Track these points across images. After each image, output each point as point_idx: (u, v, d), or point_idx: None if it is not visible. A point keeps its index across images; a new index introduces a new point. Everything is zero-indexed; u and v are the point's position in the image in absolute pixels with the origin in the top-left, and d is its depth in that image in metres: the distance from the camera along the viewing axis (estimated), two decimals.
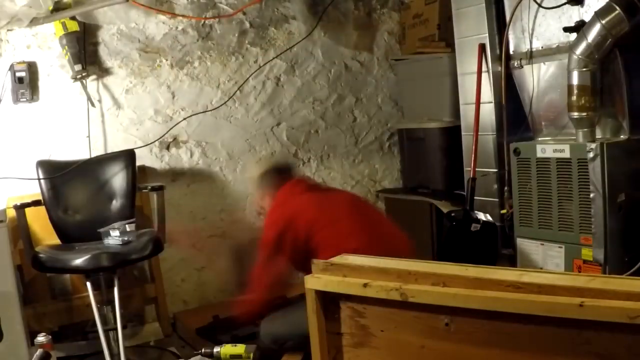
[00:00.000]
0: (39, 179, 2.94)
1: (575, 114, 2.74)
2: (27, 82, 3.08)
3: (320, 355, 1.70)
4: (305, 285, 1.71)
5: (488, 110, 3.21)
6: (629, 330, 1.15)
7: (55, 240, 2.96)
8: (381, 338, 1.60)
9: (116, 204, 3.06)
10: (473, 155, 3.17)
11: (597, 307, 1.17)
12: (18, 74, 3.06)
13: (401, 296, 1.47)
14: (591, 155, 2.67)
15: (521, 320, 1.30)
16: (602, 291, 1.19)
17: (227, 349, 2.33)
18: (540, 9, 2.94)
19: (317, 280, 1.68)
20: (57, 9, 3.04)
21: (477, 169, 3.30)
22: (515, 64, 3.10)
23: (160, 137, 3.41)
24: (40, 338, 2.28)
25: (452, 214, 3.13)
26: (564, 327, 1.24)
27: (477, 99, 3.17)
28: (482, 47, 3.17)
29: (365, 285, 1.55)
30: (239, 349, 2.33)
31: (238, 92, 3.65)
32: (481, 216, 3.04)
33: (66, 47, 3.10)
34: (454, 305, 1.39)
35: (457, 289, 1.39)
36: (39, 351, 2.09)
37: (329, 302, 1.69)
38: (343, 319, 1.68)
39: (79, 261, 2.61)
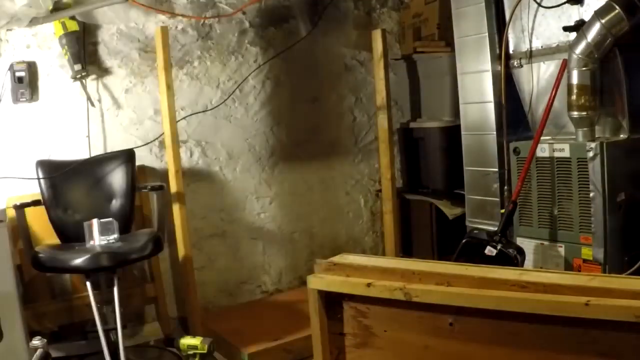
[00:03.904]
0: (38, 179, 2.93)
1: (575, 114, 2.75)
2: (26, 82, 3.07)
3: (322, 356, 1.70)
4: (307, 285, 1.71)
5: (488, 110, 3.21)
6: (635, 329, 1.15)
7: (54, 240, 2.96)
8: (384, 338, 1.60)
9: (116, 203, 3.06)
10: (521, 176, 2.90)
11: (603, 306, 1.17)
12: (18, 74, 3.05)
13: (405, 296, 1.47)
14: (591, 154, 2.68)
15: (526, 319, 1.30)
16: (607, 290, 1.19)
17: (185, 340, 2.69)
18: (540, 8, 2.94)
19: (319, 280, 1.68)
20: (57, 8, 3.03)
21: (476, 169, 3.30)
22: (515, 63, 3.10)
23: (160, 137, 3.41)
24: (36, 342, 2.25)
25: (475, 231, 3.10)
26: (570, 326, 1.24)
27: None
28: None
29: (368, 285, 1.55)
30: (196, 340, 2.68)
31: (238, 91, 3.65)
32: (511, 250, 2.82)
33: (66, 46, 3.09)
34: (458, 304, 1.39)
35: (462, 289, 1.39)
36: (39, 351, 2.08)
37: (332, 302, 1.68)
38: (346, 319, 1.67)
39: (78, 261, 2.61)
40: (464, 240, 3.00)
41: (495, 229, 2.94)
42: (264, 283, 3.82)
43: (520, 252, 2.85)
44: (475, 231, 3.09)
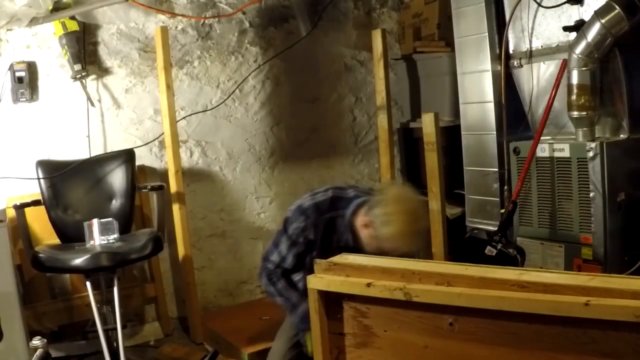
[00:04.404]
0: (38, 179, 2.93)
1: (575, 113, 2.75)
2: (26, 81, 3.07)
3: (322, 356, 1.70)
4: (307, 285, 1.71)
5: (488, 110, 3.21)
6: (635, 329, 1.15)
7: (54, 240, 2.96)
8: (384, 338, 1.60)
9: (116, 203, 3.05)
10: (521, 176, 2.90)
11: (603, 306, 1.17)
12: (18, 74, 3.05)
13: (405, 296, 1.47)
14: (591, 154, 2.68)
15: (526, 319, 1.30)
16: (607, 290, 1.19)
17: None
18: (540, 8, 2.94)
19: (319, 280, 1.68)
20: (57, 8, 3.04)
21: (476, 169, 3.30)
22: (515, 63, 3.10)
23: (160, 137, 3.41)
24: (36, 342, 2.25)
25: (475, 231, 3.10)
26: (570, 326, 1.24)
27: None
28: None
29: (368, 285, 1.55)
30: None
31: (238, 91, 3.65)
32: (511, 250, 2.83)
33: (66, 46, 3.09)
34: (458, 304, 1.39)
35: (462, 289, 1.38)
36: (39, 351, 2.08)
37: (332, 302, 1.68)
38: (346, 319, 1.67)
39: (78, 261, 2.61)
40: (464, 240, 3.01)
41: (495, 229, 2.94)
42: None
43: (521, 252, 2.86)
44: (475, 231, 3.09)
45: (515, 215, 2.99)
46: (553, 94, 2.82)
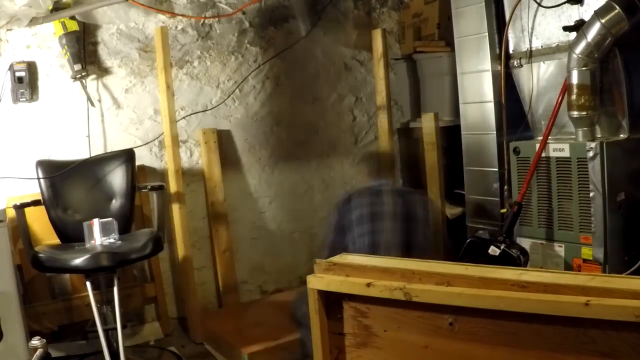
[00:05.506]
0: (38, 179, 2.93)
1: (575, 113, 2.75)
2: (26, 81, 3.07)
3: (322, 356, 1.70)
4: (307, 285, 1.71)
5: (488, 110, 3.22)
6: (635, 329, 1.15)
7: (54, 240, 2.96)
8: (384, 338, 1.60)
9: (116, 203, 3.05)
10: (527, 178, 2.92)
11: (603, 306, 1.17)
12: (18, 74, 3.05)
13: (405, 296, 1.47)
14: (591, 154, 2.68)
15: (526, 319, 1.30)
16: (607, 290, 1.19)
17: None
18: (540, 8, 2.94)
19: (319, 280, 1.68)
20: (57, 8, 3.04)
21: (476, 169, 3.30)
22: (515, 63, 3.10)
23: (160, 137, 3.41)
24: (35, 342, 2.25)
25: (480, 231, 3.10)
26: (570, 326, 1.24)
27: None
28: None
29: (368, 284, 1.55)
30: None
31: (238, 91, 3.65)
32: (514, 251, 2.84)
33: (66, 46, 3.09)
34: (458, 304, 1.39)
35: (462, 289, 1.39)
36: (39, 351, 2.08)
37: (332, 302, 1.68)
38: (346, 319, 1.67)
39: (78, 261, 2.61)
40: (468, 240, 3.01)
41: (496, 228, 2.94)
42: (264, 283, 3.82)
43: (524, 252, 2.86)
44: (480, 231, 3.10)
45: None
46: (560, 100, 2.81)
